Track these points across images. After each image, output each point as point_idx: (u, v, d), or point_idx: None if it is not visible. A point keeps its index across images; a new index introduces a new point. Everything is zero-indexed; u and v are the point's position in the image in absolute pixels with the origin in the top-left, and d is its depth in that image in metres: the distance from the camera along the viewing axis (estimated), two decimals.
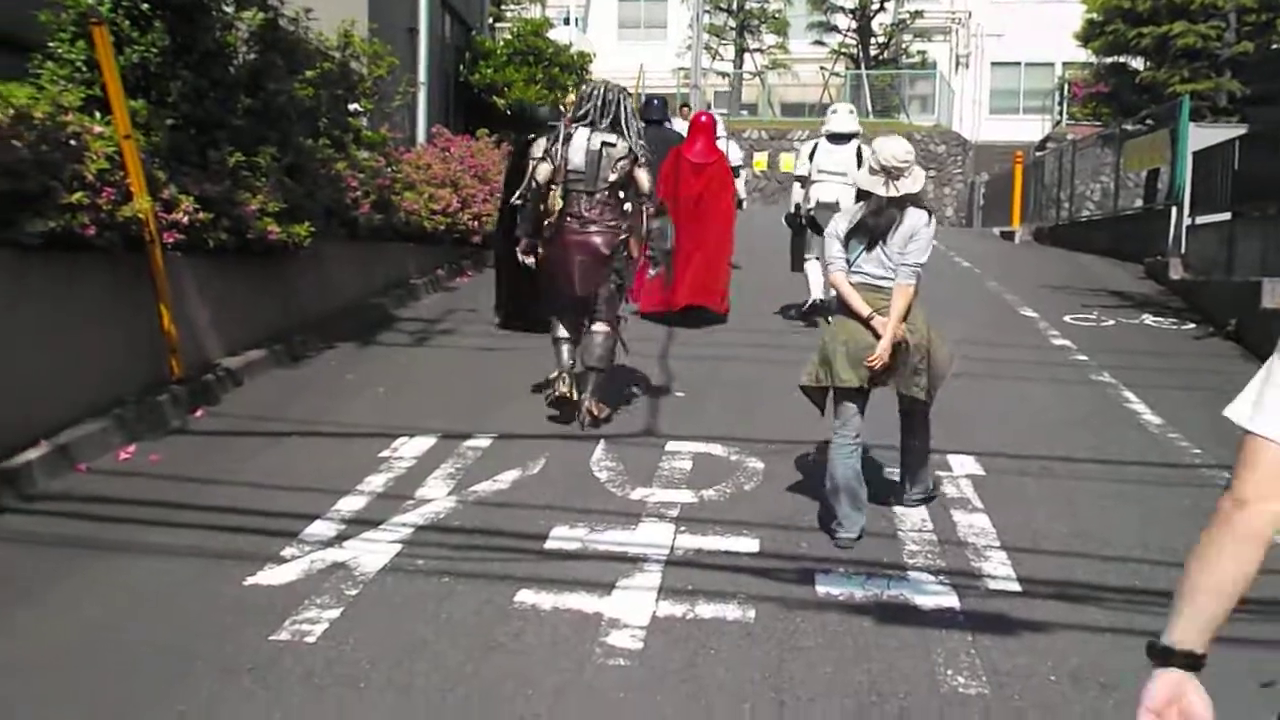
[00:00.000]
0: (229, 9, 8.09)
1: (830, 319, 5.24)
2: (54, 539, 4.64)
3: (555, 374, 6.46)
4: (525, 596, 4.15)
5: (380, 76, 10.32)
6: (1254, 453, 1.59)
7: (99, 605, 4.05)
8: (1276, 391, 1.60)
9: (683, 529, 4.89)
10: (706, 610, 4.10)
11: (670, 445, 6.10)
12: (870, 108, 29.74)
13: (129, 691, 3.44)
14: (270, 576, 4.28)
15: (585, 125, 6.33)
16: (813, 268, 9.66)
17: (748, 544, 4.75)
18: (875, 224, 4.82)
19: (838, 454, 4.82)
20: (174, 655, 3.66)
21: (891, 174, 4.77)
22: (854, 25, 33.90)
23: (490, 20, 20.43)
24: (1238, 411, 1.64)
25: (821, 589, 4.33)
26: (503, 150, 13.91)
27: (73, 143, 5.81)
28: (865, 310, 4.78)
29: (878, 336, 4.73)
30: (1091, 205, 20.82)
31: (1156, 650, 1.61)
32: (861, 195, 4.97)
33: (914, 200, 4.87)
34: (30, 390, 5.40)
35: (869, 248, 4.84)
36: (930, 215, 4.95)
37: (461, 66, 17.15)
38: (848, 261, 4.89)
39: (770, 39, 34.96)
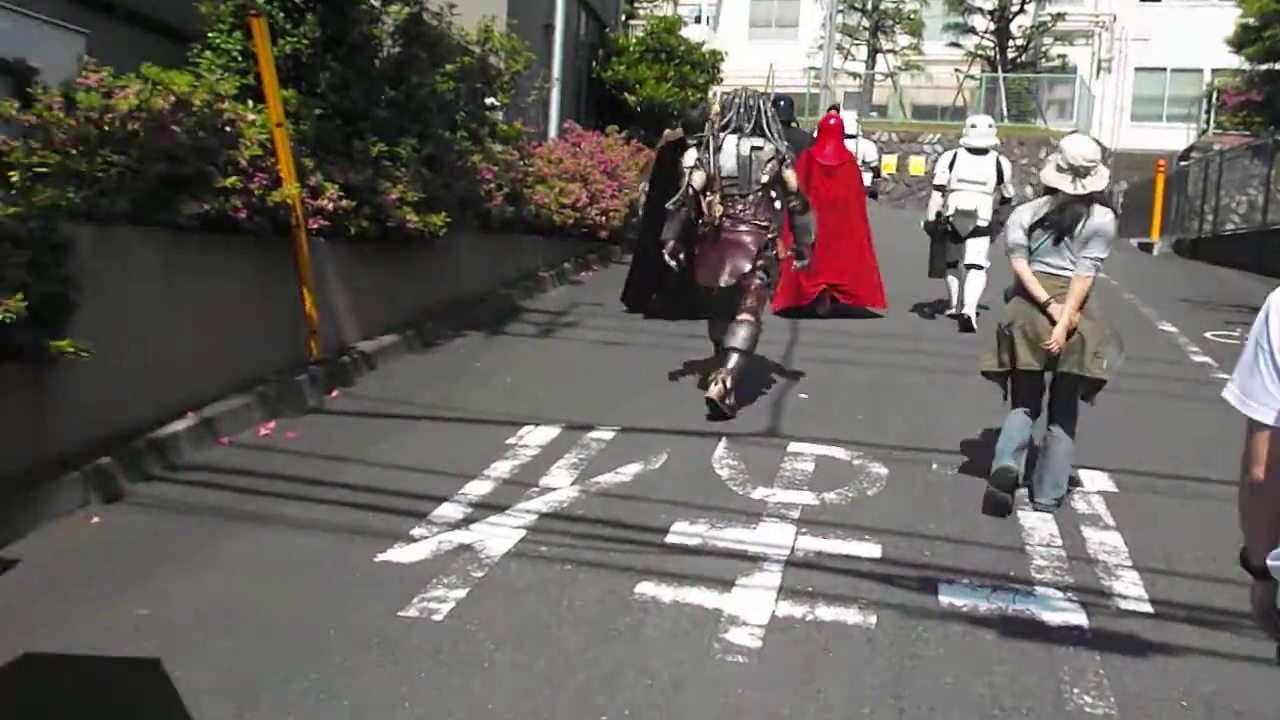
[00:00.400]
0: (377, 3, 8.33)
1: (1005, 302, 5.45)
2: (197, 508, 4.86)
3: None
4: (645, 588, 4.20)
5: (517, 72, 10.49)
6: (1258, 444, 2.01)
7: (239, 573, 4.23)
8: (1258, 380, 1.99)
9: (803, 531, 4.88)
10: (826, 613, 4.08)
11: (793, 446, 6.08)
12: (1005, 112, 29.05)
13: (266, 657, 3.59)
14: (400, 555, 4.42)
15: (733, 132, 6.72)
16: (954, 280, 9.95)
17: (869, 549, 4.71)
18: (1060, 219, 5.10)
19: (1015, 419, 5.26)
20: (308, 625, 3.81)
21: (1079, 172, 5.00)
22: (992, 27, 33.17)
23: (623, 17, 20.59)
24: (1232, 394, 2.06)
25: (945, 599, 4.27)
26: (631, 146, 14.06)
27: (228, 129, 6.07)
28: (1043, 295, 5.08)
29: (1053, 321, 5.02)
30: (1237, 218, 19.97)
31: (1249, 567, 2.15)
32: (1048, 190, 5.19)
33: (1099, 198, 5.13)
34: (181, 365, 5.67)
35: (1055, 241, 5.11)
36: (1114, 214, 5.25)
37: (594, 63, 17.32)
38: (1029, 249, 5.18)
39: (904, 40, 34.44)
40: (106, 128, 5.41)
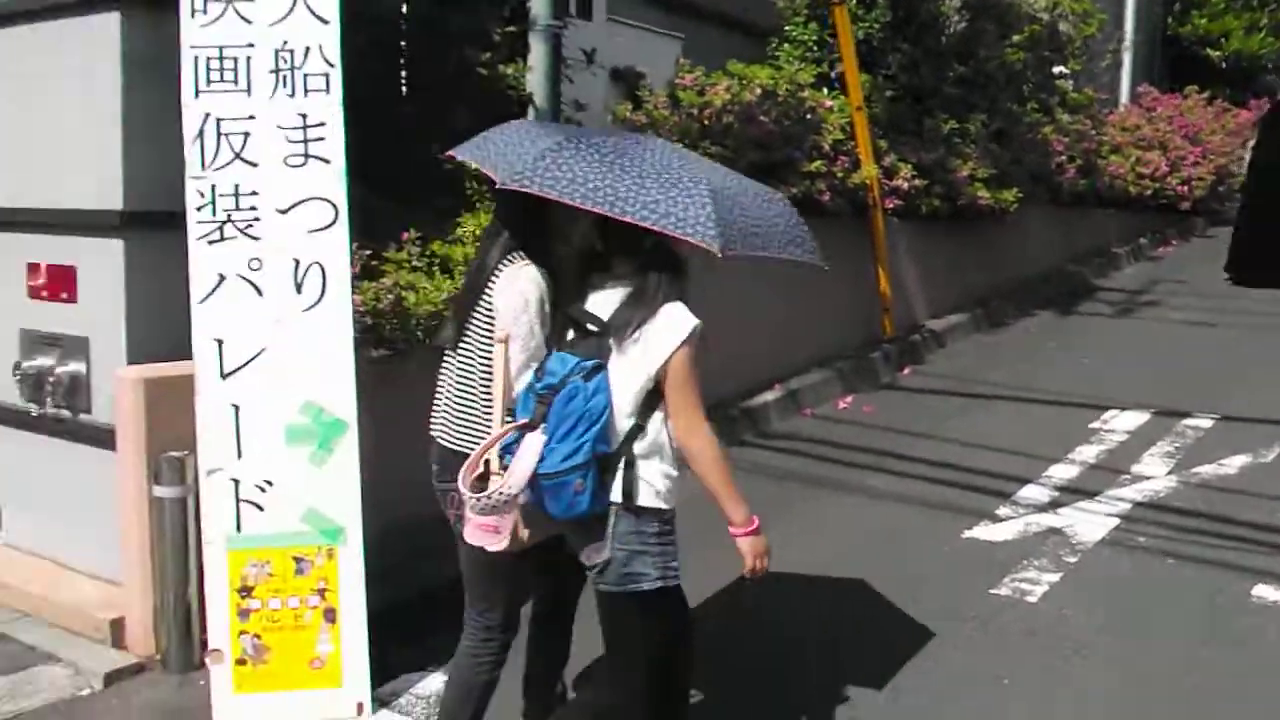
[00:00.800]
0: None
1: None
2: (786, 472, 5.16)
3: None
4: (1264, 592, 3.81)
5: (1089, 36, 9.91)
6: None
7: (830, 536, 4.43)
8: None
9: None
10: None
11: None
12: None
13: (867, 616, 3.73)
14: (986, 533, 4.38)
15: None
16: None
17: None
18: None
19: None
20: (902, 591, 3.89)
21: None
22: None
23: None
24: None
25: None
26: (1215, 108, 12.75)
27: (809, 116, 6.35)
28: None
29: None
30: None
31: None
32: None
33: None
34: (771, 340, 6.04)
35: None
36: None
37: (1170, 19, 15.86)
38: None
39: None
40: (706, 122, 5.87)
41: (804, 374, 6.17)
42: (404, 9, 4.86)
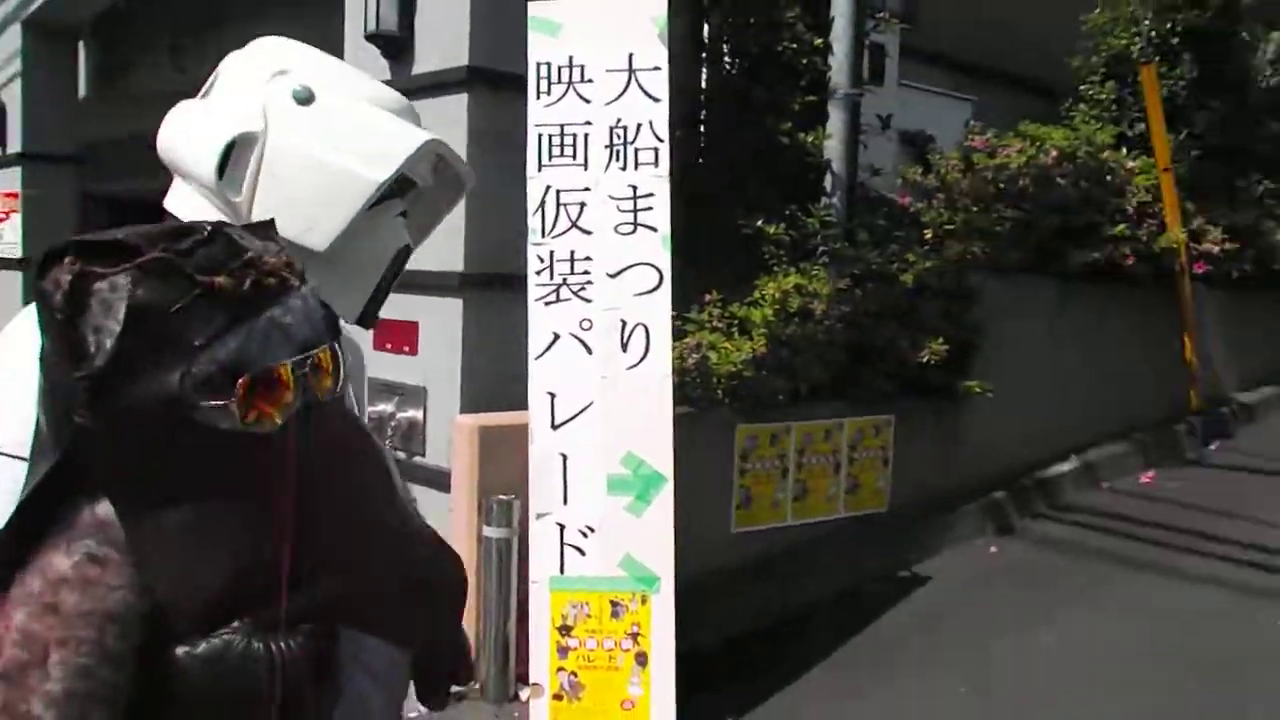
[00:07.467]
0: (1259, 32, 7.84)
1: None
2: (1082, 548, 4.95)
3: None
4: None
5: None
6: None
7: (1134, 616, 4.22)
8: None
9: None
10: None
11: None
12: None
13: (1184, 701, 3.54)
14: None
15: None
16: None
17: None
18: None
19: None
20: (1226, 680, 3.65)
21: None
22: None
23: None
24: None
25: None
26: None
27: (1109, 179, 6.14)
28: None
29: None
30: None
31: None
32: None
33: None
34: (1061, 409, 5.83)
35: None
36: None
37: None
38: None
39: None
40: (1001, 185, 5.78)
41: (1099, 445, 5.92)
42: (703, 82, 5.09)
